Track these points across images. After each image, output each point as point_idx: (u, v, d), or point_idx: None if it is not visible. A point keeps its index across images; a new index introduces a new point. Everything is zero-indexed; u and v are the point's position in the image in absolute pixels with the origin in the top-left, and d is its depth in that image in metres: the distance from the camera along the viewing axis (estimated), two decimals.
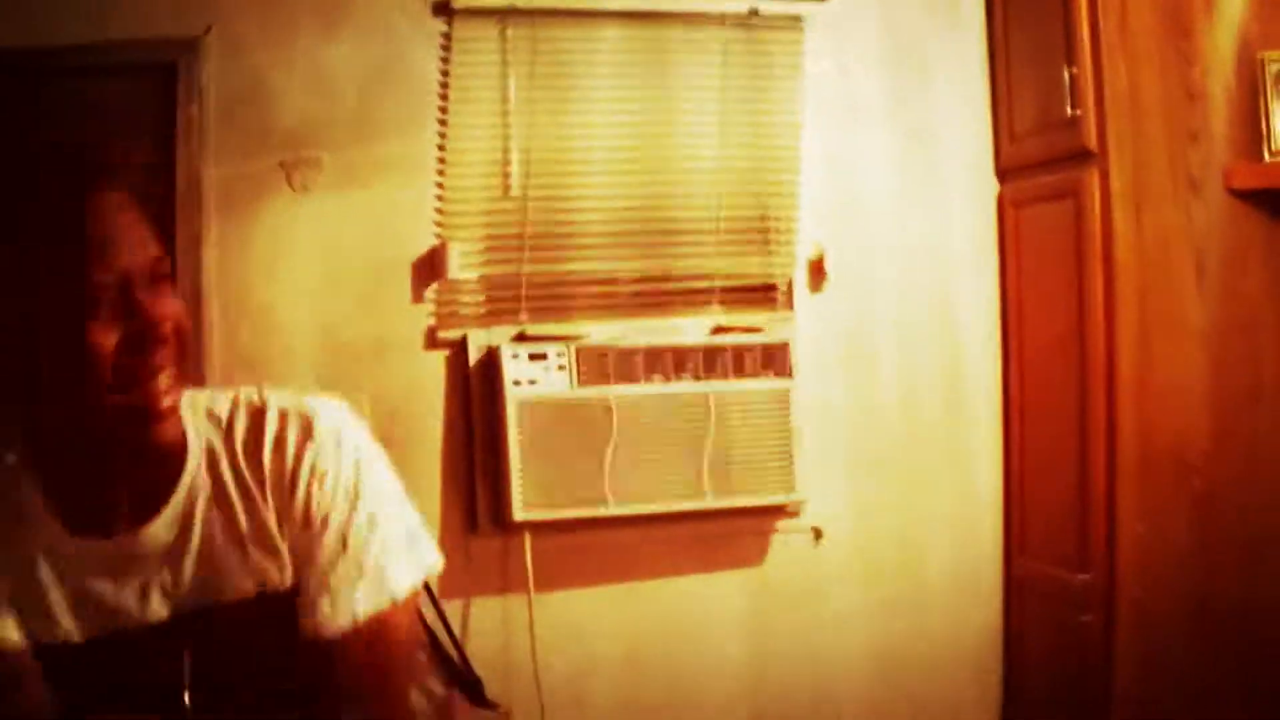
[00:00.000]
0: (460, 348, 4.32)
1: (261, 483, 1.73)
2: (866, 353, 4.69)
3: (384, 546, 1.75)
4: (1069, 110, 4.12)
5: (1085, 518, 4.16)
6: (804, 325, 4.60)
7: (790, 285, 4.60)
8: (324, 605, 1.69)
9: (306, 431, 1.76)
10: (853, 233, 4.67)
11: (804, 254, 4.61)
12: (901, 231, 4.71)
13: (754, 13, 4.52)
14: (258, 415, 1.78)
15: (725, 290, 4.56)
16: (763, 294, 4.59)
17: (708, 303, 4.56)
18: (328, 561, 1.71)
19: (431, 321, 4.33)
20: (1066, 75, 4.12)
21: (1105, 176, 4.05)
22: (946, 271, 4.74)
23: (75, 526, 1.65)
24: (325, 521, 1.73)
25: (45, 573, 1.64)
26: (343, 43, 4.29)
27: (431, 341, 4.33)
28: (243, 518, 1.71)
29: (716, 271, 4.55)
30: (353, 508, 1.75)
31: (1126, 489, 4.04)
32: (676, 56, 4.52)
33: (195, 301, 4.21)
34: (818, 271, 4.62)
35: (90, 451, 1.63)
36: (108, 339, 1.53)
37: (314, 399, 1.83)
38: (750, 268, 4.57)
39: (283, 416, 1.78)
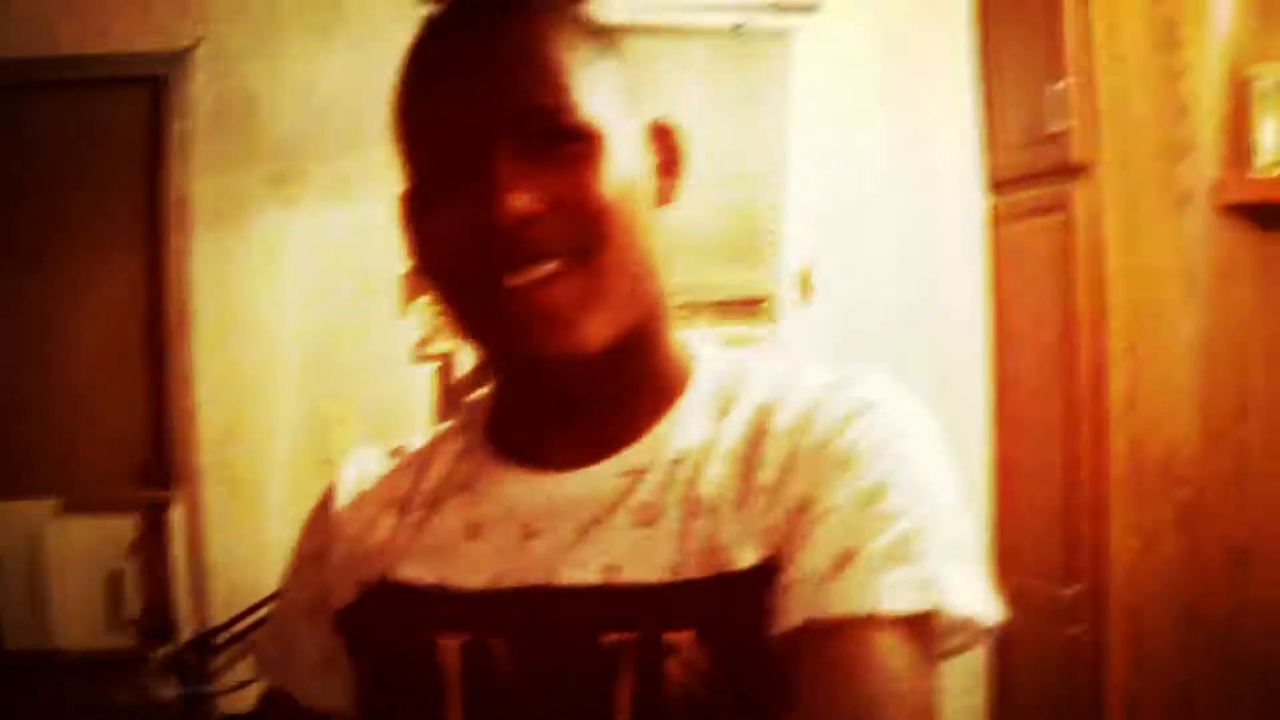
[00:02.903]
0: (448, 361, 4.32)
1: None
2: (855, 364, 4.69)
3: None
4: (1058, 124, 4.13)
5: (1074, 530, 4.17)
6: (791, 337, 4.61)
7: (778, 297, 4.60)
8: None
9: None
10: (841, 245, 4.68)
11: (792, 266, 4.62)
12: (890, 244, 4.72)
13: (742, 27, 4.53)
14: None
15: (715, 303, 4.56)
16: (751, 306, 4.60)
17: (695, 315, 4.56)
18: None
19: (420, 335, 4.33)
20: (1056, 89, 4.12)
21: (1095, 190, 4.06)
22: (935, 284, 4.75)
23: (516, 458, 1.35)
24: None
25: (466, 506, 1.33)
26: (333, 54, 4.29)
27: (420, 355, 4.33)
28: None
29: (706, 284, 4.55)
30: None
31: (1115, 501, 4.04)
32: (663, 70, 4.52)
33: (183, 314, 4.21)
34: (805, 284, 4.63)
35: (506, 373, 1.37)
36: (446, 230, 1.24)
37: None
38: (738, 280, 4.58)
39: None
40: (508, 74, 1.23)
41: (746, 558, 1.21)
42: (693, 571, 1.21)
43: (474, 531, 1.32)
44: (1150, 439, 4.06)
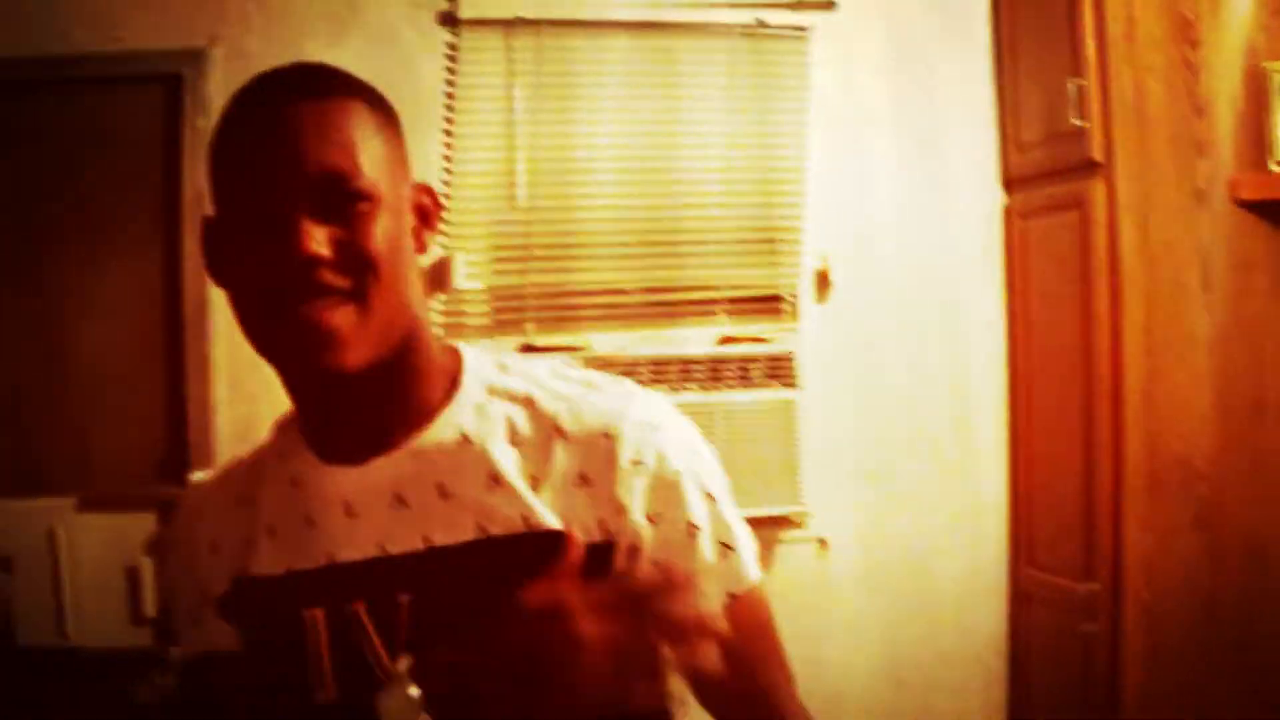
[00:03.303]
0: None
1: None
2: (872, 363, 4.69)
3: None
4: (1075, 121, 4.12)
5: (1091, 527, 4.16)
6: (810, 336, 4.60)
7: (796, 296, 4.60)
8: None
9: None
10: (859, 243, 4.68)
11: (810, 264, 4.61)
12: (907, 242, 4.71)
13: (760, 23, 4.53)
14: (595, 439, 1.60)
15: (731, 301, 4.56)
16: (768, 304, 4.59)
17: (713, 313, 4.56)
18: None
19: (437, 333, 4.33)
20: (1073, 86, 4.12)
21: (1111, 187, 4.05)
22: (952, 282, 4.74)
23: (325, 454, 1.63)
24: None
25: (285, 500, 1.63)
26: (348, 53, 4.29)
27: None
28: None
29: (722, 282, 4.55)
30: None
31: (1132, 498, 4.04)
32: (682, 67, 4.52)
33: (201, 310, 4.22)
34: (823, 282, 4.62)
35: (298, 383, 1.65)
36: (252, 262, 1.51)
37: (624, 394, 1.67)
38: (756, 278, 4.58)
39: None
40: (311, 145, 1.48)
41: (549, 522, 1.54)
42: (499, 531, 1.54)
43: (309, 522, 1.60)
44: (1167, 435, 4.05)
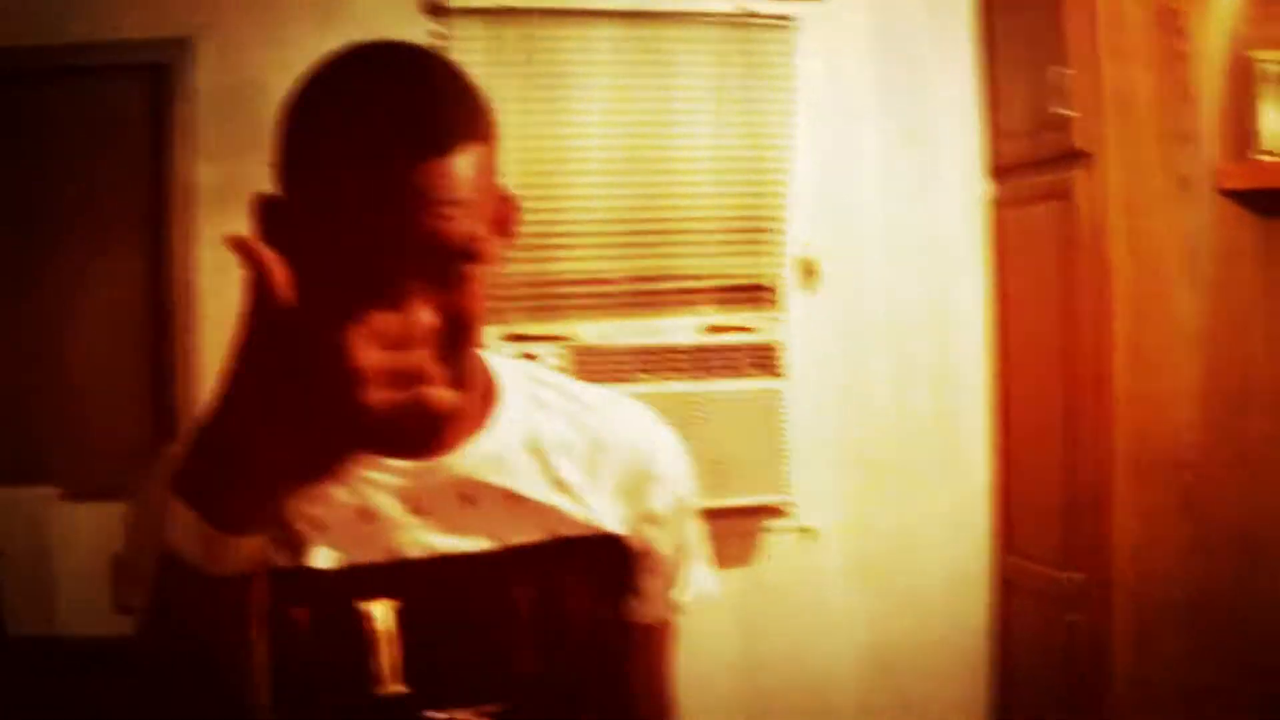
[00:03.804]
0: None
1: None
2: (858, 353, 4.70)
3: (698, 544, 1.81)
4: (1061, 110, 4.13)
5: (1077, 516, 4.17)
6: (795, 325, 4.61)
7: (782, 285, 4.60)
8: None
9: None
10: (845, 232, 4.68)
11: (796, 254, 4.62)
12: (894, 231, 4.72)
13: (746, 13, 4.53)
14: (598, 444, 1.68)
15: (717, 290, 4.57)
16: (754, 294, 4.59)
17: (700, 303, 4.56)
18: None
19: None
20: (1059, 75, 4.13)
21: (1097, 176, 4.06)
22: (938, 271, 4.75)
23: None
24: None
25: (351, 494, 1.53)
26: (336, 42, 4.24)
27: None
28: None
29: (708, 271, 4.55)
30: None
31: (1118, 487, 4.05)
32: (669, 56, 4.52)
33: (188, 300, 4.22)
34: (809, 271, 4.63)
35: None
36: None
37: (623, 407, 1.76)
38: (742, 267, 4.58)
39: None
40: (430, 213, 1.33)
41: (612, 527, 1.64)
42: (566, 531, 1.60)
43: (366, 516, 1.53)
44: (1153, 424, 4.06)
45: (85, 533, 4.21)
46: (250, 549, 1.26)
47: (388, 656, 1.51)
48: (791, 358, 4.56)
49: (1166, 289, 4.06)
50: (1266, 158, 4.01)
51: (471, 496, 1.57)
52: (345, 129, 1.36)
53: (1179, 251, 4.06)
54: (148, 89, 4.28)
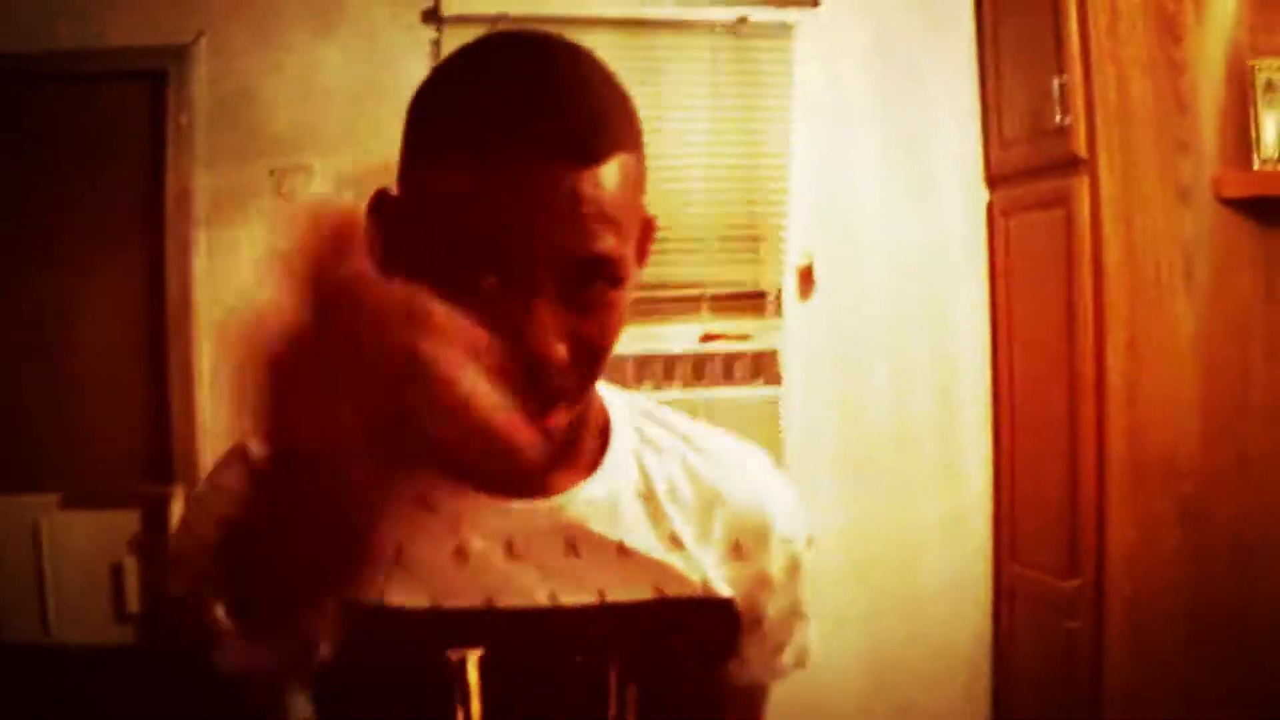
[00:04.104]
0: None
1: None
2: (856, 360, 4.70)
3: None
4: (1059, 118, 4.13)
5: (1075, 523, 4.17)
6: (793, 332, 4.61)
7: (780, 292, 4.60)
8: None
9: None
10: (842, 240, 4.68)
11: (793, 261, 4.62)
12: (891, 239, 4.71)
13: (743, 20, 4.53)
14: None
15: (715, 298, 4.57)
16: (752, 301, 4.60)
17: (697, 310, 4.56)
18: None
19: None
20: (1056, 83, 4.13)
21: (1095, 184, 4.06)
22: (936, 279, 4.74)
23: (474, 482, 1.39)
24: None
25: (415, 524, 1.37)
26: (333, 50, 4.29)
27: None
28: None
29: (706, 279, 4.55)
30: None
31: (1116, 494, 4.05)
32: (666, 64, 4.52)
33: (185, 308, 4.21)
34: (807, 279, 4.63)
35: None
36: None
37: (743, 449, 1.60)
38: (740, 275, 4.58)
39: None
40: (571, 227, 1.20)
41: (724, 590, 1.48)
42: (676, 591, 1.45)
43: (460, 556, 1.39)
44: (1151, 432, 4.06)
45: (82, 541, 4.21)
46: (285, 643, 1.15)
47: (471, 708, 1.37)
48: (790, 365, 4.56)
49: (1165, 296, 4.06)
50: (1265, 166, 4.01)
51: (575, 545, 1.42)
52: (488, 123, 1.21)
53: (1177, 259, 4.06)
54: (145, 96, 4.28)
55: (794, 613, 1.60)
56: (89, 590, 4.22)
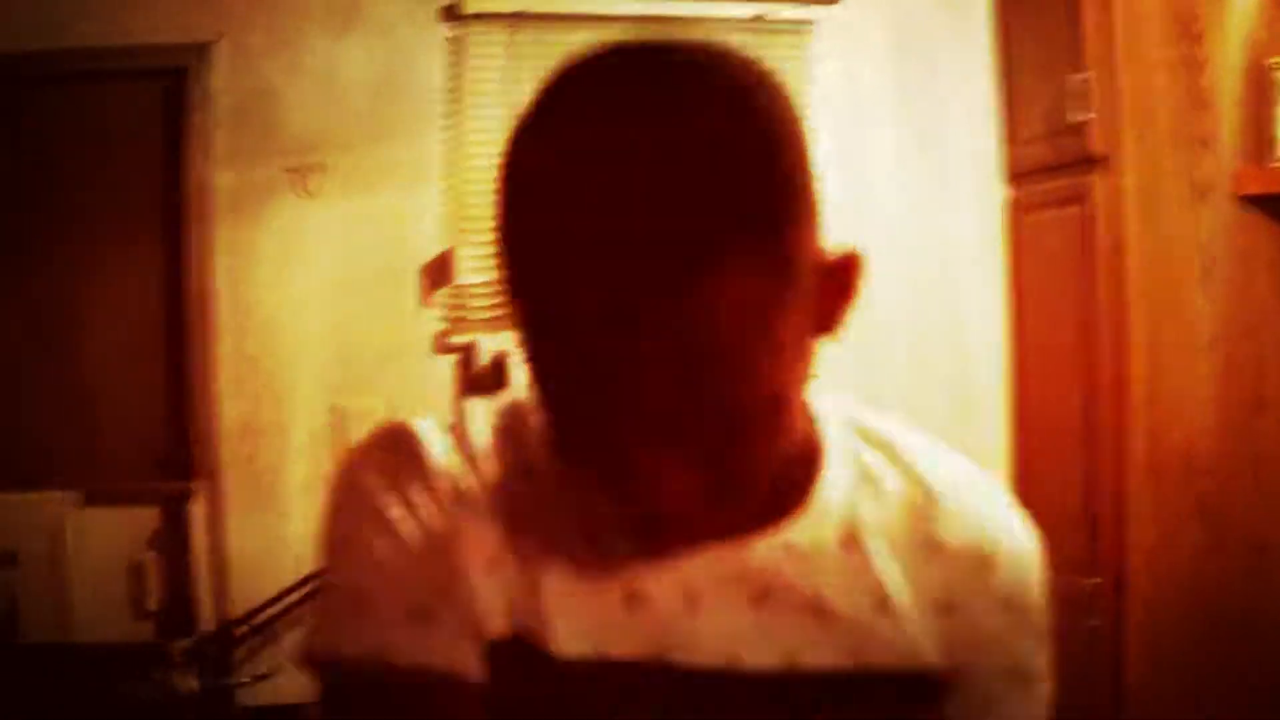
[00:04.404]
0: (469, 352, 4.33)
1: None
2: (873, 358, 4.69)
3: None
4: (1078, 115, 4.12)
5: (1093, 522, 4.16)
6: None
7: None
8: None
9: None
10: (860, 238, 4.66)
11: None
12: (909, 236, 4.71)
13: (761, 18, 4.53)
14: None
15: None
16: None
17: None
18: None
19: (440, 326, 4.34)
20: (1076, 80, 4.12)
21: (1114, 182, 4.05)
22: (954, 276, 4.74)
23: (642, 519, 1.18)
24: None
25: (580, 558, 1.19)
26: (351, 48, 4.30)
27: (441, 346, 4.34)
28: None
29: None
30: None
31: (1134, 493, 4.04)
32: None
33: (204, 306, 4.22)
34: None
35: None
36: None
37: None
38: None
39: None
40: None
41: (929, 660, 1.24)
42: (879, 659, 1.22)
43: (633, 601, 1.19)
44: (1170, 431, 4.05)
45: (102, 538, 4.22)
46: None
47: None
48: None
49: (1183, 294, 4.05)
50: None
51: (764, 598, 1.20)
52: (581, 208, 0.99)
53: (1196, 257, 4.05)
54: (163, 95, 4.29)
55: (1016, 678, 1.33)
56: (109, 588, 4.23)
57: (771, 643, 1.19)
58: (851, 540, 1.23)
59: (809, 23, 4.59)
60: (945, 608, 1.25)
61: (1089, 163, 4.11)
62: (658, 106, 1.02)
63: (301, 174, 4.29)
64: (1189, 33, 4.01)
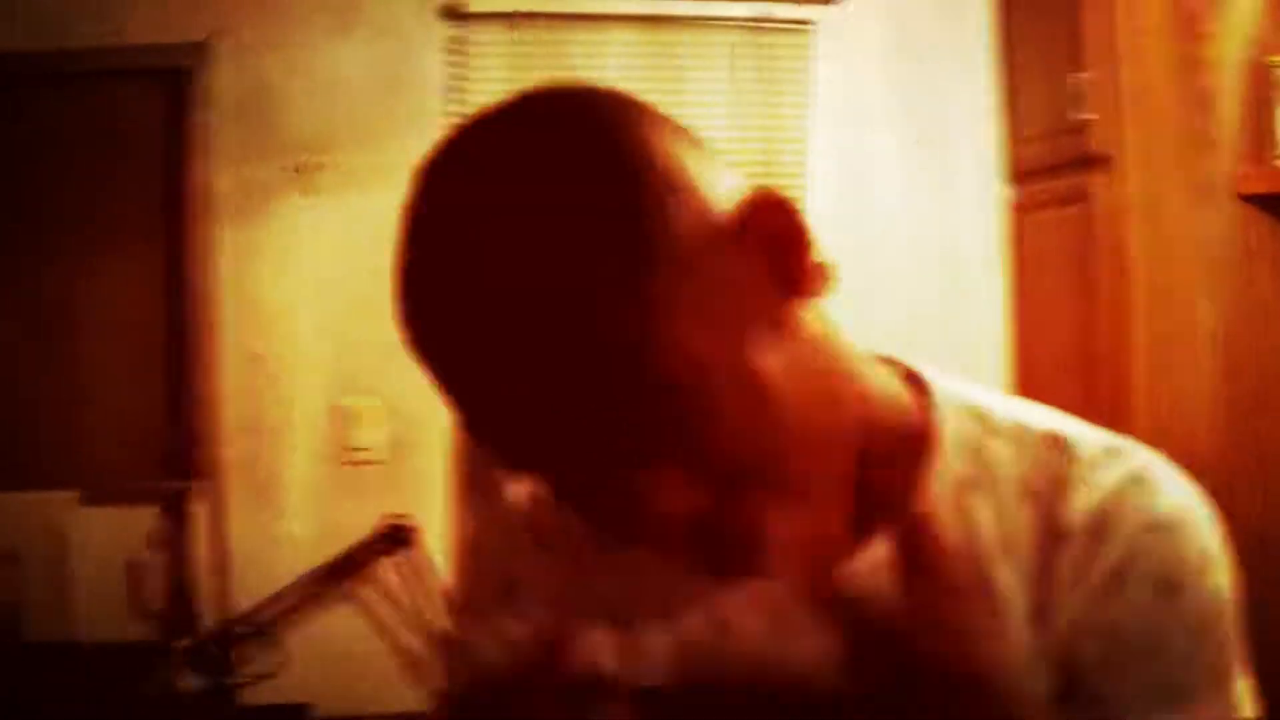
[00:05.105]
0: None
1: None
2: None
3: None
4: (1079, 115, 4.12)
5: None
6: None
7: None
8: None
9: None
10: (860, 237, 4.67)
11: None
12: (910, 236, 4.71)
13: (761, 17, 4.53)
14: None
15: None
16: None
17: None
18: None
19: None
20: (1077, 80, 4.12)
21: (1116, 181, 4.05)
22: (956, 276, 4.74)
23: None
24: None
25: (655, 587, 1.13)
26: (352, 47, 4.30)
27: None
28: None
29: None
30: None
31: None
32: (684, 60, 4.52)
33: (205, 306, 4.22)
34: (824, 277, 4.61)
35: None
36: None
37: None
38: None
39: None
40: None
41: (1040, 682, 1.08)
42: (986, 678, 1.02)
43: (723, 632, 1.14)
44: (1172, 429, 4.05)
45: (103, 537, 4.22)
46: None
47: None
48: None
49: (1185, 293, 4.05)
50: None
51: (856, 620, 1.06)
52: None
53: (1198, 256, 4.05)
54: (165, 94, 4.29)
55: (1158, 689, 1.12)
56: (110, 587, 4.23)
57: (866, 665, 1.04)
58: (961, 544, 1.07)
59: (809, 22, 4.58)
60: (1083, 599, 1.08)
61: (1090, 162, 4.12)
62: (497, 165, 1.00)
63: (303, 173, 4.29)
64: (1190, 32, 4.01)
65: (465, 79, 4.33)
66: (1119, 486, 1.12)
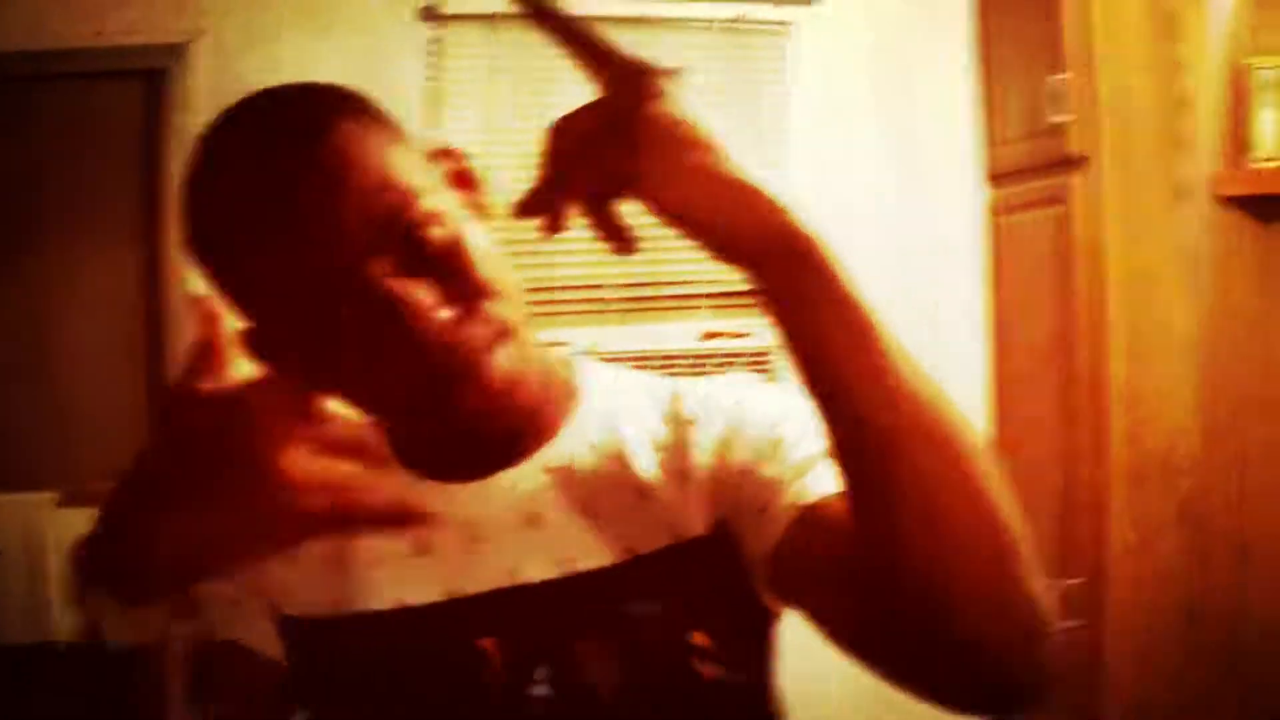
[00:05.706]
0: None
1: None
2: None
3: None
4: (1057, 116, 4.13)
5: (1073, 522, 4.17)
6: None
7: None
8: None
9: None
10: (840, 239, 4.66)
11: None
12: (889, 237, 4.71)
13: (740, 18, 4.53)
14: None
15: (713, 295, 4.56)
16: (751, 298, 4.59)
17: (696, 308, 4.56)
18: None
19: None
20: (1055, 81, 4.12)
21: (1094, 182, 4.05)
22: (934, 277, 4.74)
23: (428, 470, 1.38)
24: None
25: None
26: (330, 48, 4.29)
27: None
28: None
29: (704, 276, 4.55)
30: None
31: (1114, 495, 4.04)
32: (664, 62, 4.52)
33: (183, 308, 4.21)
34: None
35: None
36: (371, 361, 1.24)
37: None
38: (738, 273, 4.57)
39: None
40: (356, 194, 1.26)
41: (696, 528, 1.37)
42: (646, 548, 1.35)
43: (421, 550, 1.35)
44: (1149, 431, 4.06)
45: (79, 539, 4.21)
46: (158, 618, 1.18)
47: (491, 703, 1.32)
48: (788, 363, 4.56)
49: (1163, 295, 4.06)
50: (1263, 164, 4.01)
51: (537, 519, 1.36)
52: (253, 184, 1.32)
53: (1176, 257, 4.05)
54: (142, 94, 4.28)
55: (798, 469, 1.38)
56: None
57: (547, 555, 1.35)
58: (608, 450, 1.40)
59: (788, 23, 4.59)
60: (706, 478, 1.38)
61: (1068, 163, 4.12)
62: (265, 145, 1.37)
63: None
64: (1168, 33, 4.02)
65: (443, 80, 4.33)
66: (712, 390, 1.45)
